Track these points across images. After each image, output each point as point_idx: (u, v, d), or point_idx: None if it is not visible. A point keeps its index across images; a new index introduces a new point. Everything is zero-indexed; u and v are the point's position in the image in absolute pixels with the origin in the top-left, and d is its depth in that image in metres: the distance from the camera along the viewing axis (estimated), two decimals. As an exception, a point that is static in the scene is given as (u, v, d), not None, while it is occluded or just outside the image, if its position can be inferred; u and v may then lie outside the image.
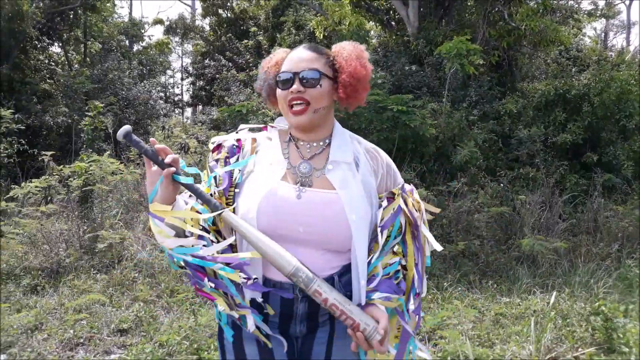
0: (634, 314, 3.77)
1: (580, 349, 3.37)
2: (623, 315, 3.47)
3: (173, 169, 1.30)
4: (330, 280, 1.41)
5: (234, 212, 1.39)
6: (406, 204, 1.49)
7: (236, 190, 1.42)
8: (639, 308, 3.79)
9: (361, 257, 1.40)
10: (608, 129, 7.40)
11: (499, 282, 4.73)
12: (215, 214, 1.34)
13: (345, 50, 1.46)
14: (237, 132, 1.54)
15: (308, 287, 1.30)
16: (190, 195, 1.43)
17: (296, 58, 1.42)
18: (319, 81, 1.40)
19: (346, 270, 1.43)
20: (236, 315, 1.35)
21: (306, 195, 1.38)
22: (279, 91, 1.43)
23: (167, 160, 1.31)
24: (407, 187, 1.54)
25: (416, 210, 1.51)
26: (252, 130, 1.56)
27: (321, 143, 1.47)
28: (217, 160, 1.46)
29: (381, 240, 1.44)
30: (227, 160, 1.45)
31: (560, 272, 4.89)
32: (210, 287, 1.34)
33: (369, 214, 1.43)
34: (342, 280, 1.43)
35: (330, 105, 1.46)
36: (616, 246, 5.27)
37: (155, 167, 1.33)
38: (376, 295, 1.41)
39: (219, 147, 1.49)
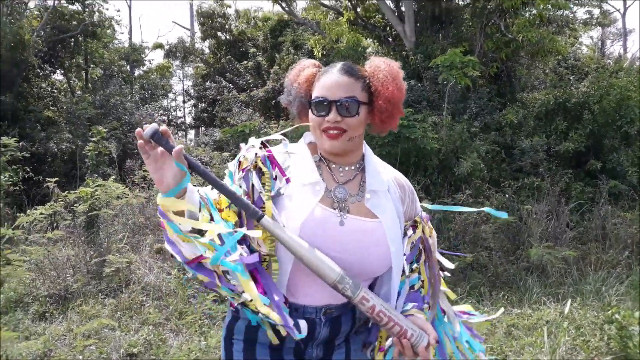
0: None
1: (596, 359, 3.33)
2: (638, 323, 3.43)
3: (181, 146, 1.19)
4: (347, 306, 1.40)
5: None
6: (423, 232, 1.51)
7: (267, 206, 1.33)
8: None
9: (395, 287, 1.40)
10: (610, 135, 7.40)
11: (509, 293, 4.70)
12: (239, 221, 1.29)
13: (381, 71, 1.39)
14: (262, 146, 1.42)
15: (355, 295, 1.25)
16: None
17: (331, 83, 1.35)
18: (357, 110, 1.35)
19: None
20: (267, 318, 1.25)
21: (349, 222, 1.34)
22: (312, 116, 1.37)
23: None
24: (424, 215, 1.55)
25: (429, 237, 1.53)
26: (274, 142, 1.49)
27: (353, 168, 1.43)
28: (254, 169, 1.35)
29: (407, 270, 1.44)
30: (260, 170, 1.36)
31: (571, 281, 4.85)
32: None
33: (402, 243, 1.42)
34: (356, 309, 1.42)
35: (364, 131, 1.43)
36: (626, 253, 5.23)
37: (156, 150, 1.21)
38: (410, 306, 1.41)
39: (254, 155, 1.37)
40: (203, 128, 19.05)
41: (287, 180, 1.35)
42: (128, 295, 4.57)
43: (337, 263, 1.29)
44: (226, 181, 1.38)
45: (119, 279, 4.85)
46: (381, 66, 1.41)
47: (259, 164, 1.35)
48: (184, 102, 22.56)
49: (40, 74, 12.90)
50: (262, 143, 1.42)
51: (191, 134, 21.35)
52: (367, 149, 1.48)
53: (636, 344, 3.33)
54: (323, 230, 1.30)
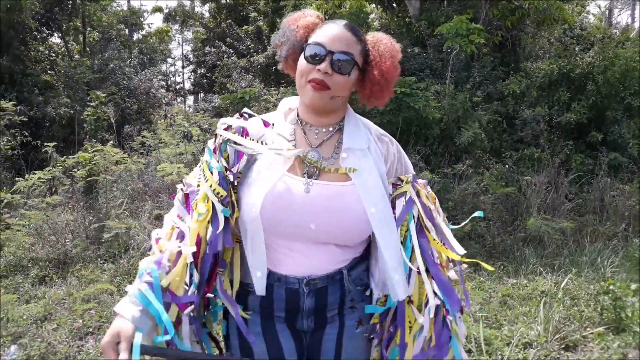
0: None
1: (588, 329, 3.37)
2: (633, 295, 3.46)
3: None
4: (338, 274, 1.36)
5: (237, 204, 1.31)
6: (419, 196, 1.39)
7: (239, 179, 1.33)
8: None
9: (392, 250, 1.31)
10: (613, 107, 7.33)
11: (506, 263, 4.73)
12: None
13: (382, 44, 1.35)
14: (242, 117, 1.42)
15: None
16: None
17: (333, 35, 1.29)
18: (350, 69, 1.29)
19: (357, 263, 1.38)
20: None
21: (314, 189, 1.29)
22: (302, 61, 1.30)
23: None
24: (421, 180, 1.45)
25: (430, 204, 1.42)
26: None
27: (330, 129, 1.38)
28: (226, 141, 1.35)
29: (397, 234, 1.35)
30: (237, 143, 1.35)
31: (567, 253, 4.88)
32: None
33: (387, 204, 1.34)
34: (351, 274, 1.37)
35: (349, 94, 1.37)
36: (623, 225, 5.25)
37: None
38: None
39: (228, 128, 1.37)
40: (202, 94, 18.90)
41: (239, 157, 1.34)
42: (127, 260, 4.61)
43: (306, 232, 1.28)
44: (205, 157, 1.37)
45: (118, 245, 4.88)
46: (383, 40, 1.36)
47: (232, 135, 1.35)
48: (183, 67, 22.35)
49: (38, 36, 12.71)
50: (240, 114, 1.40)
51: (190, 99, 21.21)
52: (349, 110, 1.42)
53: (629, 315, 3.37)
54: (286, 201, 1.26)
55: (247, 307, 1.39)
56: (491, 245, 5.07)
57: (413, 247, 1.35)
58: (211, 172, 1.32)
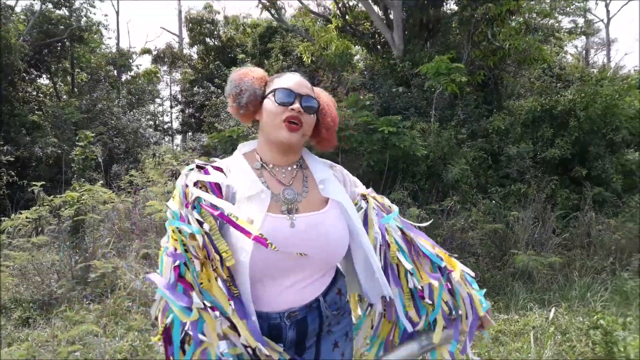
0: (633, 327, 3.76)
1: (581, 364, 3.35)
2: (622, 329, 3.46)
3: None
4: (315, 302, 1.41)
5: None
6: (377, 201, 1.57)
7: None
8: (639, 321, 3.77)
9: (372, 258, 1.45)
10: (595, 143, 7.50)
11: (496, 299, 4.72)
12: None
13: (324, 95, 1.54)
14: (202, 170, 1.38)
15: None
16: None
17: (297, 81, 1.43)
18: (316, 110, 1.44)
19: (329, 288, 1.44)
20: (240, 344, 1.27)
21: (298, 222, 1.36)
22: (272, 105, 1.39)
23: None
24: (372, 190, 1.61)
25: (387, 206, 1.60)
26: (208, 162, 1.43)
27: (295, 166, 1.47)
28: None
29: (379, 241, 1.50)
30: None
31: (557, 287, 4.89)
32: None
33: (359, 219, 1.49)
34: (326, 300, 1.43)
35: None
36: (610, 259, 5.29)
37: None
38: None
39: (197, 183, 1.33)
40: (190, 133, 18.97)
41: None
42: (113, 300, 4.51)
43: (299, 263, 1.34)
44: (175, 223, 1.28)
45: (104, 285, 4.79)
46: (322, 93, 1.54)
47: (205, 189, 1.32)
48: (171, 107, 22.46)
49: (26, 78, 12.79)
50: (197, 166, 1.38)
51: (178, 138, 21.25)
52: (304, 149, 1.55)
53: (621, 349, 3.36)
54: (275, 239, 1.27)
55: None
56: (481, 281, 5.06)
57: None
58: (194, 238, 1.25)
